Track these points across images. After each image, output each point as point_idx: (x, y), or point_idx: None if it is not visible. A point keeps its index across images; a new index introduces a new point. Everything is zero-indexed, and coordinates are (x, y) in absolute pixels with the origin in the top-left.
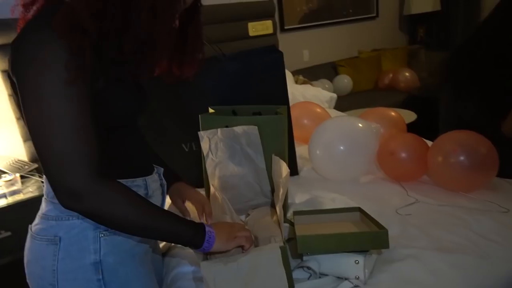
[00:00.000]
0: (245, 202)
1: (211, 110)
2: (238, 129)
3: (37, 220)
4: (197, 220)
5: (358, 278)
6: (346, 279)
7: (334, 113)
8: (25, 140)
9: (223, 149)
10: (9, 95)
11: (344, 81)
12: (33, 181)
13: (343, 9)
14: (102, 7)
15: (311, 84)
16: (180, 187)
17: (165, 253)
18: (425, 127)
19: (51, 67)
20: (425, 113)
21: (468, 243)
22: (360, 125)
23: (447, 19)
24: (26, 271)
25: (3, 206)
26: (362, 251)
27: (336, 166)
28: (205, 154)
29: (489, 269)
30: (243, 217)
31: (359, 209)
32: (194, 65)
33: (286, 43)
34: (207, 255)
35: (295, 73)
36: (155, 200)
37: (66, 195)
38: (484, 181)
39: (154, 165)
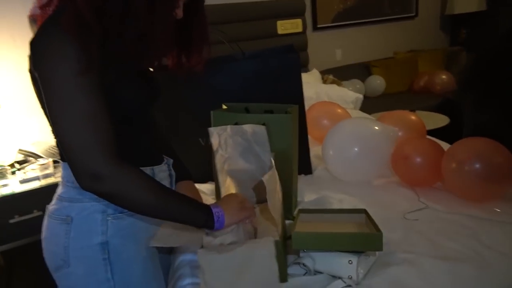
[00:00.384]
0: (251, 198)
1: (224, 107)
2: (247, 127)
3: (53, 201)
4: None
5: (351, 278)
6: (339, 278)
7: (358, 114)
8: None
9: (232, 146)
10: None
11: (377, 82)
12: None
13: (380, 8)
14: (102, 4)
15: (341, 84)
16: (185, 187)
17: None
18: (460, 132)
19: (63, 60)
20: (460, 117)
21: (471, 253)
22: (376, 127)
23: (493, 20)
24: (42, 246)
25: (37, 187)
26: (357, 252)
27: (348, 167)
28: (214, 150)
29: (489, 280)
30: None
31: (364, 211)
32: (201, 56)
33: (318, 42)
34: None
35: (325, 72)
36: None
37: (87, 178)
38: (500, 191)
39: (164, 156)
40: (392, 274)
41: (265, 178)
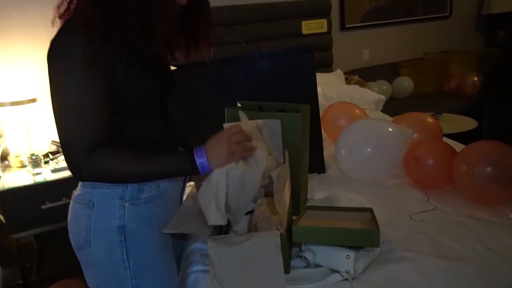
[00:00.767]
0: (261, 192)
1: (239, 104)
2: (262, 121)
3: (78, 186)
4: None
5: (348, 272)
6: (337, 271)
7: (377, 115)
8: None
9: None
10: None
11: (405, 83)
12: None
13: (411, 7)
14: None
15: (365, 85)
16: None
17: None
18: (491, 135)
19: (68, 55)
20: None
21: (473, 255)
22: (390, 128)
23: None
24: (68, 227)
25: (66, 177)
26: (355, 247)
27: (360, 167)
28: None
29: (487, 282)
30: (253, 205)
31: (370, 210)
32: (208, 40)
33: (346, 41)
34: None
35: (351, 72)
36: (175, 183)
37: (70, 167)
38: (510, 195)
39: (179, 147)
40: (390, 270)
41: (274, 173)
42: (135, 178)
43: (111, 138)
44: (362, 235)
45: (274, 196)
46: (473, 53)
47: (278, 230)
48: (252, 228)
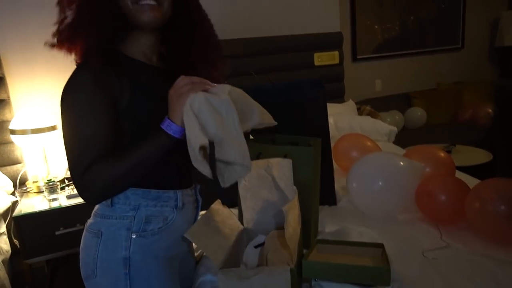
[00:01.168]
0: (271, 224)
1: (251, 137)
2: (273, 160)
3: (91, 216)
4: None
5: None
6: None
7: (389, 147)
8: None
9: (256, 177)
10: None
11: (417, 113)
12: None
13: (423, 39)
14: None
15: (377, 115)
16: None
17: (198, 261)
18: (506, 168)
19: (74, 88)
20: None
21: None
22: (402, 163)
23: None
24: (79, 256)
25: (80, 203)
26: (366, 285)
27: (371, 201)
28: (238, 180)
29: None
30: (264, 237)
31: (381, 246)
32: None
33: (358, 72)
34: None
35: (363, 102)
36: (186, 212)
37: (78, 192)
38: None
39: (192, 181)
40: None
41: (285, 209)
42: (129, 173)
43: None
44: (372, 273)
45: (285, 231)
46: (487, 84)
47: (288, 265)
48: (263, 261)
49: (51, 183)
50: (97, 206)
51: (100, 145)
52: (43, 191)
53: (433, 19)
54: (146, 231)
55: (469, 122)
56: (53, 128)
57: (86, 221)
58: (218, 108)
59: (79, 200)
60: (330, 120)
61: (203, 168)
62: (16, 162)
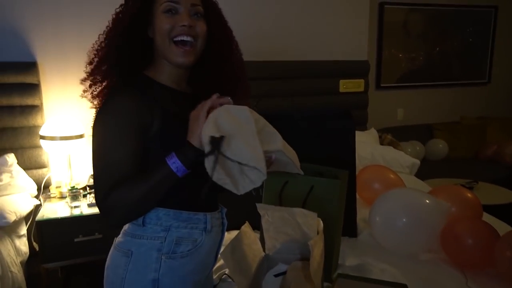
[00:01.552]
0: (294, 255)
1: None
2: (297, 210)
3: (120, 234)
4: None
5: None
6: None
7: (411, 180)
8: None
9: (278, 217)
10: None
11: (439, 146)
12: None
13: (448, 71)
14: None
15: (399, 145)
16: None
17: (216, 285)
18: None
19: (113, 110)
20: None
21: None
22: (427, 200)
23: None
24: (104, 273)
25: (97, 213)
26: None
27: (394, 237)
28: (261, 214)
29: None
30: (285, 266)
31: (406, 287)
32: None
33: (380, 100)
34: None
35: (385, 131)
36: (213, 236)
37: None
38: None
39: (219, 204)
40: None
41: (311, 243)
42: (146, 198)
43: None
44: None
45: (310, 265)
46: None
47: None
48: None
49: (74, 190)
50: (127, 225)
51: (123, 173)
52: (65, 197)
53: (459, 52)
54: (176, 253)
55: (492, 158)
56: (80, 136)
57: (114, 239)
58: (236, 115)
59: (96, 210)
60: None
61: (207, 161)
62: (42, 166)
